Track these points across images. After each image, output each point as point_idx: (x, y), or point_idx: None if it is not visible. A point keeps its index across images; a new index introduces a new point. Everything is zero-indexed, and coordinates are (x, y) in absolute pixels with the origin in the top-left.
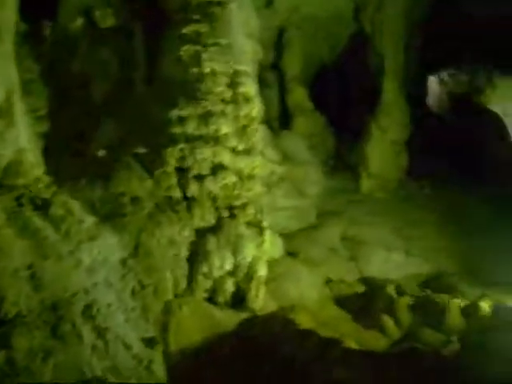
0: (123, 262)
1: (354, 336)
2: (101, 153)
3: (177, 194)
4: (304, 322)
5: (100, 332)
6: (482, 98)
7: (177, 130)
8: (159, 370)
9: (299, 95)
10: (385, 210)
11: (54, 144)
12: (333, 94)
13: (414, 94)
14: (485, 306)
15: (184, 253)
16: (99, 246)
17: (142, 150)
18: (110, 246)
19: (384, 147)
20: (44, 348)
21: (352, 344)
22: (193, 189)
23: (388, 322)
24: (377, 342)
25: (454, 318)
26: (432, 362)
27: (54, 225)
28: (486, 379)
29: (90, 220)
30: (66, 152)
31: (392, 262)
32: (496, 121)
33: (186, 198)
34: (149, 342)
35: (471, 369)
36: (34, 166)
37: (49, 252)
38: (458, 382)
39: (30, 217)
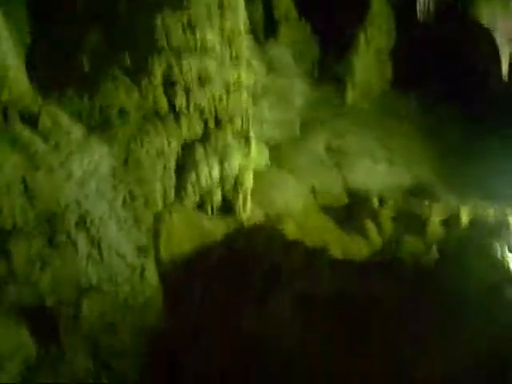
0: (113, 172)
1: (338, 244)
2: (86, 64)
3: (164, 105)
4: (290, 231)
5: (94, 242)
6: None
7: (162, 39)
8: (152, 277)
9: (285, 4)
10: (369, 120)
11: (39, 56)
12: (319, 3)
13: (401, 3)
14: (464, 214)
15: (173, 164)
16: (89, 157)
17: (128, 61)
18: (99, 157)
19: (369, 56)
20: (41, 257)
21: (337, 252)
22: (180, 100)
23: (371, 230)
24: (360, 249)
25: (434, 228)
26: (412, 270)
27: (43, 137)
28: (460, 288)
29: (78, 131)
30: (52, 64)
31: (375, 171)
32: (486, 35)
33: (173, 109)
34: (141, 251)
35: (448, 278)
36: (20, 80)
37: (40, 164)
38: (436, 290)
39: (19, 131)
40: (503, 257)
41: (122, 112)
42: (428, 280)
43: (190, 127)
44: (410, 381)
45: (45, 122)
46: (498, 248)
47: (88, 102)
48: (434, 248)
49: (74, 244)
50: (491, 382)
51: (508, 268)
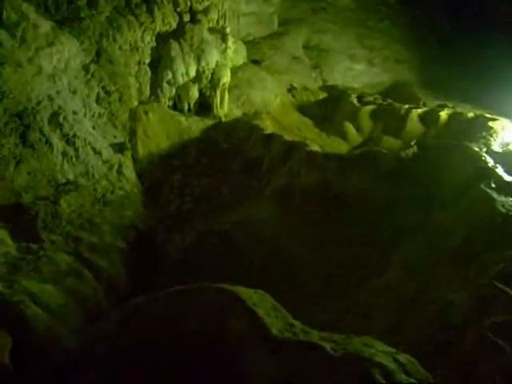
0: (86, 67)
1: (317, 141)
2: None
3: None
4: (268, 127)
5: (69, 139)
6: None
7: None
8: (130, 174)
9: None
10: (348, 18)
11: None
12: None
13: None
14: (443, 114)
15: (147, 59)
16: (59, 51)
17: None
18: (70, 52)
19: None
20: (15, 156)
21: (316, 147)
22: None
23: (350, 128)
24: (339, 146)
25: (413, 126)
26: (391, 162)
27: (8, 31)
28: (436, 182)
29: (46, 25)
30: None
31: (354, 70)
32: None
33: (145, 0)
34: (118, 148)
35: (425, 172)
36: None
37: (7, 59)
38: (413, 184)
39: None
40: (479, 153)
41: (91, 3)
42: (406, 172)
43: (165, 20)
44: (390, 263)
45: (10, 14)
46: (475, 145)
47: None
48: (413, 143)
49: (48, 141)
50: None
51: (484, 163)
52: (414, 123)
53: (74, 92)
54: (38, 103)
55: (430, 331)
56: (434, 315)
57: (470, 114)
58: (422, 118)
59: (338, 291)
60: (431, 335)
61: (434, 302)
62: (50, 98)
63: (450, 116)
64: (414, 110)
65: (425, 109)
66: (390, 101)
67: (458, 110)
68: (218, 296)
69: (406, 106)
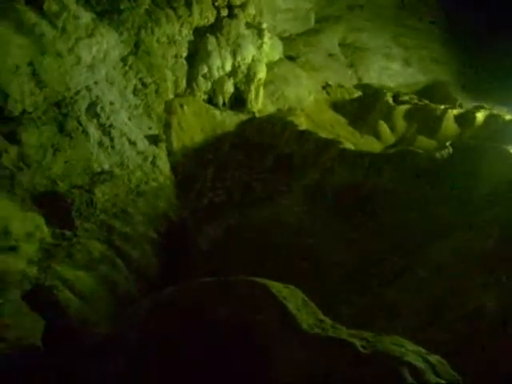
0: (124, 59)
1: (350, 140)
2: None
3: None
4: (302, 124)
5: (105, 129)
6: None
7: None
8: (164, 165)
9: None
10: (386, 16)
11: None
12: None
13: None
14: (479, 115)
15: (184, 52)
16: (98, 42)
17: None
18: (109, 43)
19: None
20: (53, 144)
21: (349, 145)
22: None
23: (384, 127)
24: (372, 145)
25: (449, 126)
26: (425, 162)
27: (49, 21)
28: (471, 184)
29: (86, 16)
30: None
31: (390, 69)
32: None
33: None
34: (153, 140)
35: (460, 169)
36: None
37: (47, 49)
38: (450, 183)
39: (24, 12)
40: None
41: None
42: (440, 173)
43: (202, 14)
44: (421, 263)
45: (51, 4)
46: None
47: None
48: (448, 144)
49: (85, 131)
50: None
51: None
52: (449, 124)
53: (112, 83)
54: (77, 93)
55: (461, 333)
56: (464, 317)
57: (507, 117)
58: (458, 119)
59: (366, 288)
60: (462, 337)
61: (465, 305)
62: (88, 89)
63: (487, 118)
64: (449, 111)
65: (461, 110)
66: (425, 101)
67: (495, 112)
68: (249, 288)
69: (442, 107)
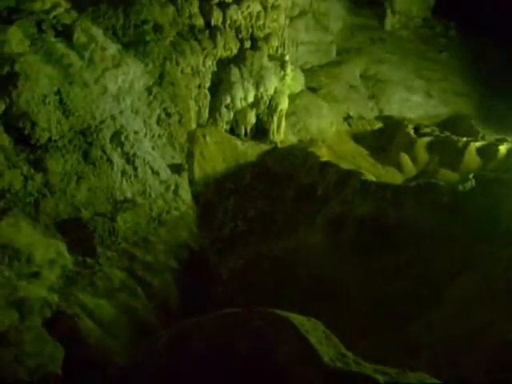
0: (148, 89)
1: (371, 171)
2: None
3: (199, 22)
4: (323, 155)
5: (129, 158)
6: None
7: None
8: (186, 195)
9: None
10: (407, 49)
11: None
12: None
13: None
14: (502, 148)
15: (207, 83)
16: (124, 73)
17: None
18: (134, 74)
19: None
20: (77, 172)
21: (370, 177)
22: (216, 17)
23: (406, 159)
24: (393, 177)
25: (471, 159)
26: (448, 195)
27: (77, 52)
28: (498, 211)
29: (113, 47)
30: None
31: (411, 102)
32: None
33: (208, 26)
34: (175, 169)
35: (481, 206)
36: None
37: (75, 79)
38: (473, 216)
39: (54, 43)
40: None
41: (157, 27)
42: (463, 206)
43: (226, 46)
44: (443, 298)
45: (79, 36)
46: None
47: (122, 18)
48: (471, 176)
49: (109, 159)
50: None
51: None
52: (471, 156)
53: (136, 112)
54: (102, 122)
55: (486, 371)
56: (490, 355)
57: None
58: (480, 151)
59: (386, 323)
60: (487, 375)
61: (491, 341)
62: (113, 118)
63: (509, 150)
64: (472, 143)
65: (483, 142)
66: (447, 133)
67: None
68: (271, 321)
69: (464, 139)
